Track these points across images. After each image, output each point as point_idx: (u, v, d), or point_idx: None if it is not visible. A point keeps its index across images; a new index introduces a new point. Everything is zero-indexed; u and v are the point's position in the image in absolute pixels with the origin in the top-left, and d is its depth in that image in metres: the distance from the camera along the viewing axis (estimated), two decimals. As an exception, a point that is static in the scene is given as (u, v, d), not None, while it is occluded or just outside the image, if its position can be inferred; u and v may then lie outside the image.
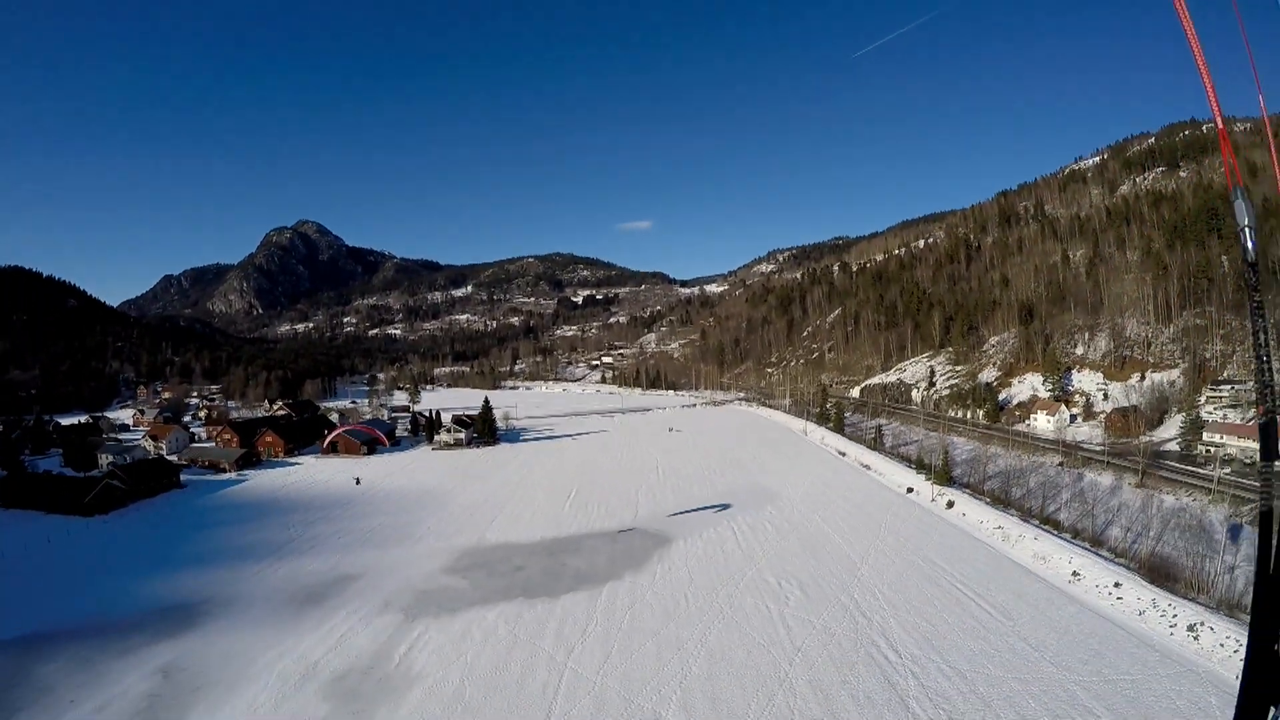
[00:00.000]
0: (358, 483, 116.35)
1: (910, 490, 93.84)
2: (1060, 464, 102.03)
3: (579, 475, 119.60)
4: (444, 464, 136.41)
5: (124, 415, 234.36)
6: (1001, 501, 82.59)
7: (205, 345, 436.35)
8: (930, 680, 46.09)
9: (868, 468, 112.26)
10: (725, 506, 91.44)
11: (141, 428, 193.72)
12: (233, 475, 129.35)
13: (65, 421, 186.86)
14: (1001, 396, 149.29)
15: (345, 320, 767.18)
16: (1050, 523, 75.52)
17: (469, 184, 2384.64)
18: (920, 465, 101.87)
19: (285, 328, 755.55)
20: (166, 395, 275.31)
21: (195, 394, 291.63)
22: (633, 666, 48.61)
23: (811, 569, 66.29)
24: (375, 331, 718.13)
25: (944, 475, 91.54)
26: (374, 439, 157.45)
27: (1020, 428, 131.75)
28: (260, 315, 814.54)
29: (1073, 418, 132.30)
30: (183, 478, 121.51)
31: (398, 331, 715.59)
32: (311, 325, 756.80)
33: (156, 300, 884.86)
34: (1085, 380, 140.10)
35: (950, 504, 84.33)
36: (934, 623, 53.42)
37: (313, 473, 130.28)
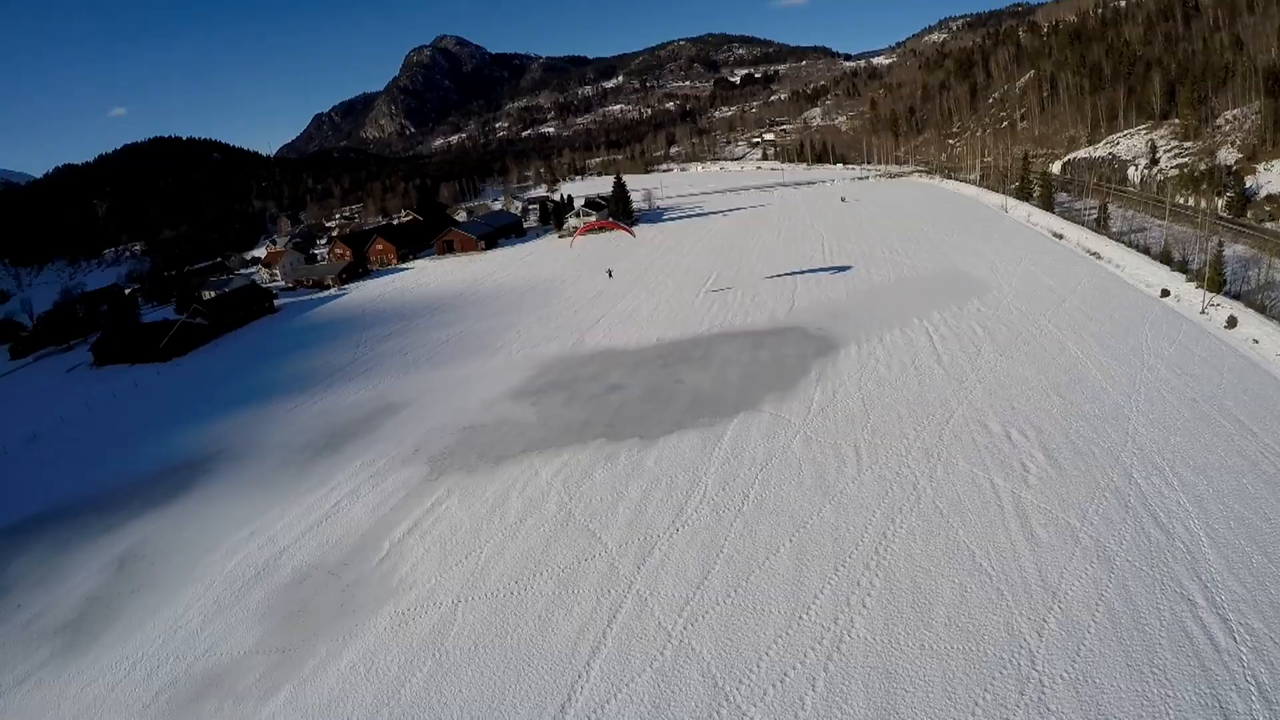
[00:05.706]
0: (610, 275, 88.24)
1: (1166, 294, 67.90)
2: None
3: (722, 257, 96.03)
4: (566, 251, 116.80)
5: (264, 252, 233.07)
6: (1299, 328, 54.89)
7: (347, 170, 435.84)
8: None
9: (1097, 256, 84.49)
10: (915, 299, 64.70)
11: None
12: (333, 290, 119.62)
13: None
14: (1246, 185, 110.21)
15: (497, 126, 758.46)
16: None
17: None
18: (1168, 260, 74.71)
19: (439, 142, 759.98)
20: (310, 223, 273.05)
21: (336, 216, 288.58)
22: (746, 608, 25.80)
23: (1056, 412, 38.59)
24: (528, 133, 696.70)
25: (1216, 279, 64.78)
26: (491, 232, 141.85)
27: (1272, 226, 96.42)
28: (413, 135, 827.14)
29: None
30: (279, 301, 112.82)
31: (550, 130, 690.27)
32: (464, 136, 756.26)
33: (311, 140, 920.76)
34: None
35: (1232, 321, 58.41)
36: (1272, 556, 25.65)
37: (419, 277, 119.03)
